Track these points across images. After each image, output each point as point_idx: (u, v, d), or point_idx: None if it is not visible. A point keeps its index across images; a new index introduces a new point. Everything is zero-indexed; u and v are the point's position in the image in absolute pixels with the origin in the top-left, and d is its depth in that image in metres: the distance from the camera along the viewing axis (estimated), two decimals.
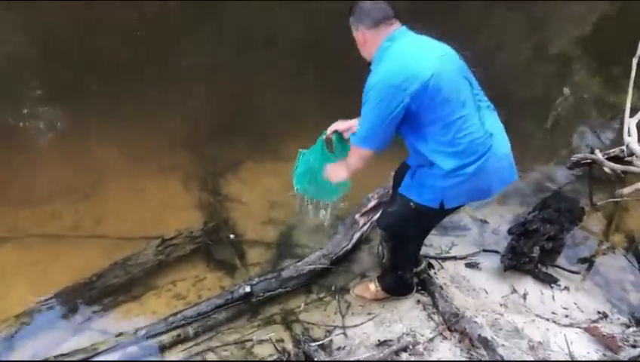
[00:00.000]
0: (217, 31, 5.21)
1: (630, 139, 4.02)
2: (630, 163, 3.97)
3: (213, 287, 3.14)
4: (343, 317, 2.95)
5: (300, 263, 3.13)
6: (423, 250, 3.35)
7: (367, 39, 2.28)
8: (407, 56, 2.21)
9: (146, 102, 4.37)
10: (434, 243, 3.48)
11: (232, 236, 3.45)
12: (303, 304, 3.03)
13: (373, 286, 3.03)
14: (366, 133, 2.28)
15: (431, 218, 2.63)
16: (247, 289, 2.93)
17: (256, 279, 3.02)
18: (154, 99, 4.38)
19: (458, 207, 2.59)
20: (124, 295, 3.06)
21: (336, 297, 3.08)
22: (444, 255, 3.40)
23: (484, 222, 3.71)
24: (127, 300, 3.04)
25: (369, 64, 2.33)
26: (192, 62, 4.86)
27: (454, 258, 3.39)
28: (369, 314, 2.97)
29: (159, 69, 4.68)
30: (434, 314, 2.97)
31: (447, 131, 2.23)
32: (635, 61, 4.22)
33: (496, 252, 3.43)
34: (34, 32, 4.92)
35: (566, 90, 4.37)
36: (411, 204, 2.47)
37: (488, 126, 2.33)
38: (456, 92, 2.23)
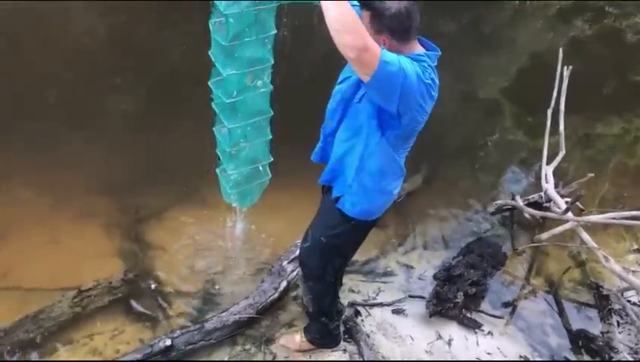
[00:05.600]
0: (147, 75, 5.14)
1: (548, 186, 4.21)
2: (548, 209, 4.15)
3: (133, 341, 3.00)
4: None
5: (224, 314, 3.05)
6: (351, 297, 3.37)
7: (392, 49, 1.98)
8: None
9: (67, 146, 4.19)
10: (361, 289, 3.48)
11: (153, 286, 3.32)
12: (227, 356, 2.94)
13: (298, 338, 2.98)
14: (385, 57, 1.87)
15: (357, 237, 2.56)
16: (168, 342, 2.81)
17: (178, 331, 2.91)
18: (76, 143, 4.21)
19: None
20: (35, 351, 2.87)
21: (262, 348, 3.01)
22: (371, 302, 3.40)
23: (410, 267, 3.75)
24: (38, 357, 2.85)
25: None
26: (117, 106, 4.75)
27: (381, 304, 3.39)
28: None
29: (83, 112, 4.53)
30: None
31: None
32: (549, 112, 4.46)
33: (422, 297, 3.46)
34: None
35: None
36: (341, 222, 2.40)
37: None
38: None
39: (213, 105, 2.44)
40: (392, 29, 1.99)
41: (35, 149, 4.15)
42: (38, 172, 3.98)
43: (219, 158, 2.64)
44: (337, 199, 2.38)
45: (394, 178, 2.34)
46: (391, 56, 1.90)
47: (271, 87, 2.42)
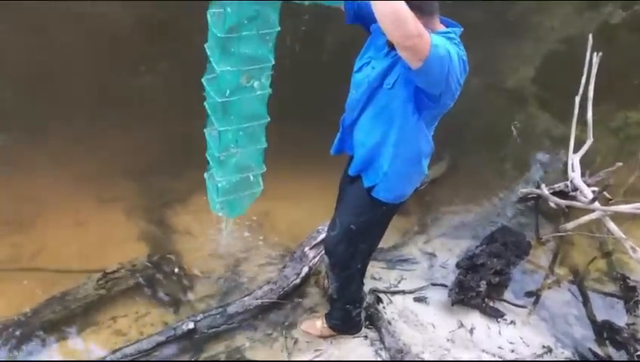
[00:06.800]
0: (173, 60, 5.16)
1: (574, 175, 4.14)
2: (574, 198, 4.08)
3: (156, 323, 3.04)
4: (289, 354, 2.90)
5: (246, 298, 3.07)
6: (372, 284, 3.36)
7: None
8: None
9: (93, 130, 4.24)
10: (383, 276, 3.47)
11: (177, 269, 3.35)
12: (248, 341, 2.96)
13: (319, 323, 2.99)
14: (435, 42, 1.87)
15: (386, 221, 2.57)
16: (191, 325, 2.85)
17: (201, 315, 2.95)
18: (102, 127, 4.26)
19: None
20: (61, 331, 2.93)
21: (283, 333, 3.02)
22: (392, 289, 3.38)
23: (432, 255, 3.72)
24: (63, 337, 2.92)
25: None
26: (143, 91, 4.78)
27: (403, 292, 3.37)
28: (316, 350, 2.93)
29: (109, 97, 4.57)
30: (381, 350, 2.95)
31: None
32: (577, 99, 4.37)
33: (445, 286, 3.43)
34: None
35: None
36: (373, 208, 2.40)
37: None
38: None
39: (205, 105, 2.29)
40: (419, 7, 1.94)
41: (62, 133, 4.20)
42: (64, 156, 4.04)
43: (209, 163, 2.50)
44: (370, 188, 2.35)
45: (426, 157, 2.34)
46: (437, 39, 1.89)
47: (269, 90, 2.23)
